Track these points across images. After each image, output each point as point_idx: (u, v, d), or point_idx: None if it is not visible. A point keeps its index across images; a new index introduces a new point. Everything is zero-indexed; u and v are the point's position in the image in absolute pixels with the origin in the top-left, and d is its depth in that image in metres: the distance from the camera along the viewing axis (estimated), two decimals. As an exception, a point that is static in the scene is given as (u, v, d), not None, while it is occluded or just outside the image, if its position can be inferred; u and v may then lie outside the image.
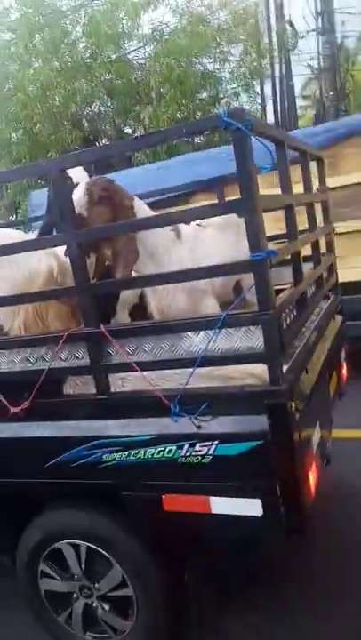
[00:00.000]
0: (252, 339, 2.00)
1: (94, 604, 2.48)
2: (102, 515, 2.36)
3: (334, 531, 3.13)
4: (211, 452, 2.02)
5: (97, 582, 2.44)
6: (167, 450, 2.10)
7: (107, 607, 2.45)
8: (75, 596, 2.51)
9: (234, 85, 10.62)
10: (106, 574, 2.40)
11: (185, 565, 2.43)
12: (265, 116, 11.40)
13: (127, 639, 2.43)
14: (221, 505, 2.06)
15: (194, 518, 2.13)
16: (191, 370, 2.02)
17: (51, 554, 2.49)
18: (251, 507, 2.00)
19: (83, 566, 2.44)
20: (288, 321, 2.29)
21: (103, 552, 2.35)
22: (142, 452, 2.14)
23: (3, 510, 2.56)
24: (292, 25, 11.55)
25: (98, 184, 2.59)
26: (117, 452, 2.18)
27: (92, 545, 2.37)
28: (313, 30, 11.73)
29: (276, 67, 11.72)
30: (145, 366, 2.15)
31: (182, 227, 2.87)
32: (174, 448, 2.08)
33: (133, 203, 2.68)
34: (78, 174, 2.72)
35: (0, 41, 10.35)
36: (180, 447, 2.07)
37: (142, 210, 2.73)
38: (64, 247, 2.31)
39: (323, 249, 3.42)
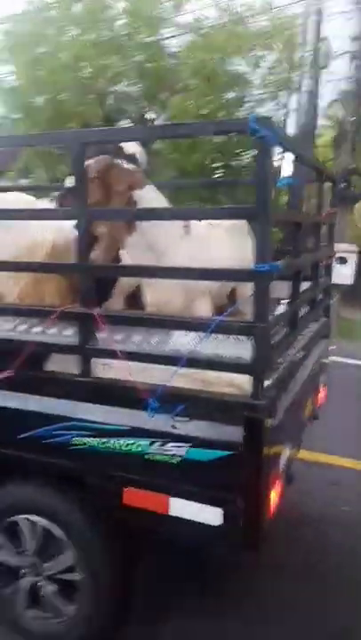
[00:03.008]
0: (239, 348, 2.00)
1: (41, 584, 2.47)
2: (64, 495, 2.35)
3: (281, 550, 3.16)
4: (180, 454, 2.02)
5: (47, 562, 2.43)
6: (137, 444, 2.10)
7: (53, 588, 2.44)
8: (23, 571, 2.50)
9: (261, 92, 10.57)
10: (57, 555, 2.39)
11: (136, 561, 2.43)
12: (285, 127, 11.39)
13: (68, 624, 2.43)
14: (180, 508, 2.06)
15: (151, 516, 2.12)
16: (175, 368, 2.02)
17: (7, 526, 2.48)
18: (211, 515, 2.00)
19: (36, 544, 2.43)
20: (279, 336, 2.29)
21: (58, 532, 2.35)
22: (113, 441, 2.13)
23: None
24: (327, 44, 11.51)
25: (96, 162, 2.55)
26: (88, 436, 2.18)
27: (48, 524, 2.36)
28: (348, 52, 11.72)
29: (305, 82, 11.68)
30: (131, 356, 2.13)
31: (195, 223, 2.81)
32: (146, 443, 2.08)
33: (133, 192, 2.62)
34: (133, 147, 2.73)
35: (40, 3, 10.22)
36: (152, 443, 2.07)
37: (146, 200, 2.64)
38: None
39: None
